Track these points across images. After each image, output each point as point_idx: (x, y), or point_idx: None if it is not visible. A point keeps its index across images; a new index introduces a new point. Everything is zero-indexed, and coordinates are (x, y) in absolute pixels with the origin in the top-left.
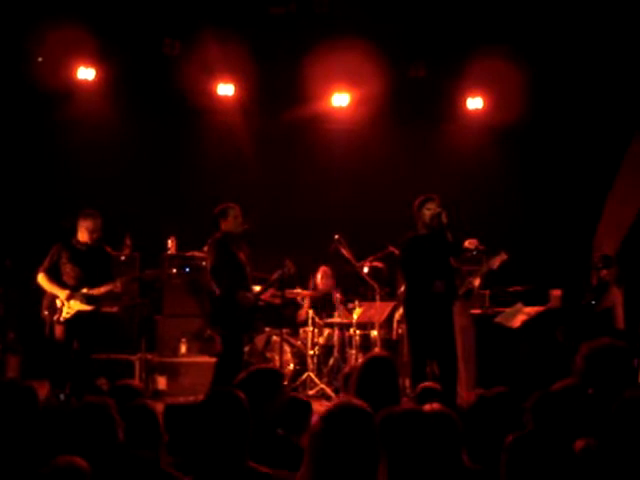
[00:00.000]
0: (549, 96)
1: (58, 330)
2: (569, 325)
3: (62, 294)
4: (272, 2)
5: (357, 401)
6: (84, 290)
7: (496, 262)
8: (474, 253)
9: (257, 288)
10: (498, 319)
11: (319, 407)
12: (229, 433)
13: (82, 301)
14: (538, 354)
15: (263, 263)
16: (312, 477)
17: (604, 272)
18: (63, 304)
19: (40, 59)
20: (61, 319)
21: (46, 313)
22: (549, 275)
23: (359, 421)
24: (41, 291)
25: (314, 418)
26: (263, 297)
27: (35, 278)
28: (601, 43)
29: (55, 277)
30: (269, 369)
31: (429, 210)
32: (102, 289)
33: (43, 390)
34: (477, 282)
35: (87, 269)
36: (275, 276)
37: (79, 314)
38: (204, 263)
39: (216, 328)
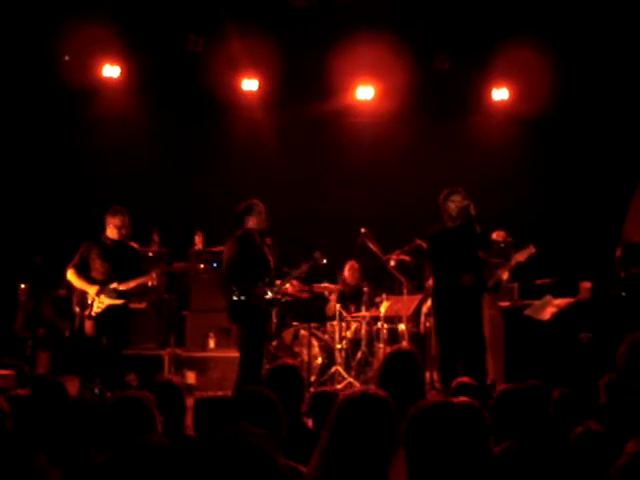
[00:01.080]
0: (575, 86)
1: (88, 325)
2: (599, 318)
3: (92, 289)
4: None
5: (375, 389)
6: (114, 284)
7: (524, 255)
8: (502, 245)
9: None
10: (527, 312)
11: None
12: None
13: (112, 296)
14: (568, 347)
15: (290, 258)
16: (325, 462)
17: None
18: (94, 299)
19: (67, 58)
20: (92, 314)
21: (77, 309)
22: (578, 267)
23: (376, 408)
24: (71, 287)
25: None
26: (291, 291)
27: (65, 275)
28: (629, 32)
29: (84, 273)
30: (288, 366)
31: (454, 203)
32: (132, 283)
33: (73, 386)
34: (505, 275)
35: (116, 265)
36: (303, 268)
37: (109, 309)
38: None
39: (234, 323)
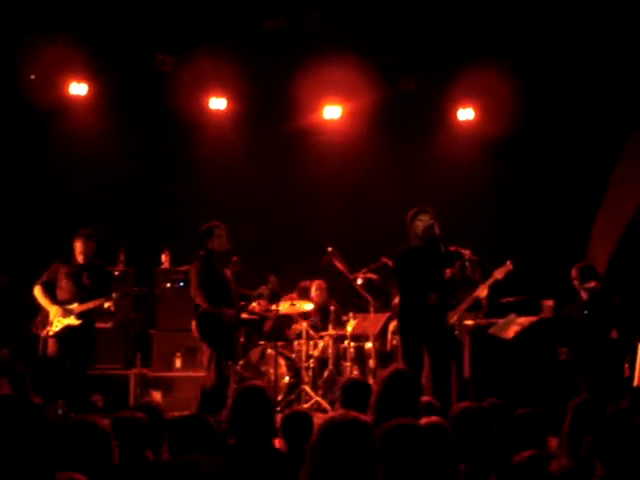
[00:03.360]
0: (539, 106)
1: (50, 345)
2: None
3: (52, 308)
4: (264, 17)
5: (355, 413)
6: (74, 305)
7: (502, 272)
8: (467, 263)
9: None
10: (491, 330)
11: (316, 420)
12: None
13: (71, 316)
14: (532, 365)
15: (255, 277)
16: None
17: (593, 283)
18: (54, 319)
19: (33, 77)
20: (51, 333)
21: (39, 328)
22: (542, 286)
23: (358, 433)
24: (37, 308)
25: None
26: (258, 310)
27: (31, 291)
28: (588, 54)
29: (50, 293)
30: (256, 387)
31: (421, 222)
32: (90, 304)
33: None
34: (484, 293)
35: (82, 285)
36: (260, 291)
37: (70, 329)
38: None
39: (206, 341)
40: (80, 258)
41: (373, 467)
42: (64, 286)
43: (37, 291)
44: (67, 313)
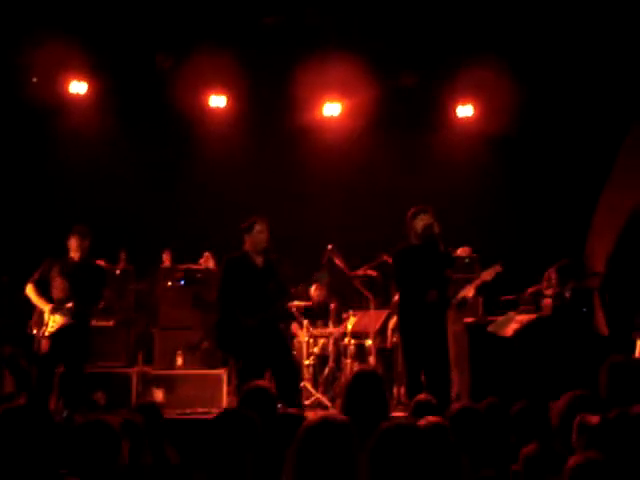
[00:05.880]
0: (539, 102)
1: (44, 344)
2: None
3: (46, 307)
4: (263, 14)
5: (336, 415)
6: (69, 305)
7: (491, 274)
8: (466, 261)
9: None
10: (490, 328)
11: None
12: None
13: (66, 315)
14: (531, 362)
15: None
16: None
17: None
18: (49, 318)
19: (34, 79)
20: (46, 333)
21: (34, 328)
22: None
23: (337, 435)
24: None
25: None
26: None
27: (24, 289)
28: (589, 50)
29: (43, 291)
30: (261, 387)
31: (422, 221)
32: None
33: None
34: (471, 293)
35: (76, 284)
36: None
37: (64, 328)
38: (199, 275)
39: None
40: (75, 255)
41: (351, 469)
42: (58, 285)
43: (29, 290)
44: (61, 312)
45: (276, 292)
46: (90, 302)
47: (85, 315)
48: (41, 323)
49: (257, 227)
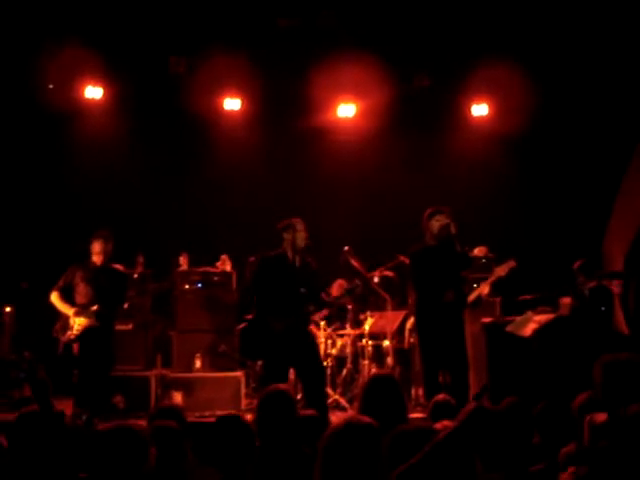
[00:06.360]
0: (553, 101)
1: (75, 349)
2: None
3: (70, 311)
4: (277, 16)
5: (363, 417)
6: (93, 307)
7: (505, 269)
8: (484, 261)
9: None
10: (509, 328)
11: (334, 418)
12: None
13: (90, 318)
14: (550, 362)
15: None
16: None
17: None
18: (74, 321)
19: (51, 86)
20: (72, 336)
21: (59, 333)
22: (559, 283)
23: (364, 437)
24: (56, 312)
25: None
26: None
27: (48, 297)
28: (604, 50)
29: (67, 297)
30: (280, 390)
31: (438, 222)
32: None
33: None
34: (486, 290)
35: (99, 289)
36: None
37: (89, 331)
38: (216, 278)
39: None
40: (98, 259)
41: (378, 471)
42: (81, 290)
43: (54, 297)
44: (85, 315)
45: (308, 297)
46: (113, 305)
47: (109, 318)
48: (66, 328)
49: (298, 226)
